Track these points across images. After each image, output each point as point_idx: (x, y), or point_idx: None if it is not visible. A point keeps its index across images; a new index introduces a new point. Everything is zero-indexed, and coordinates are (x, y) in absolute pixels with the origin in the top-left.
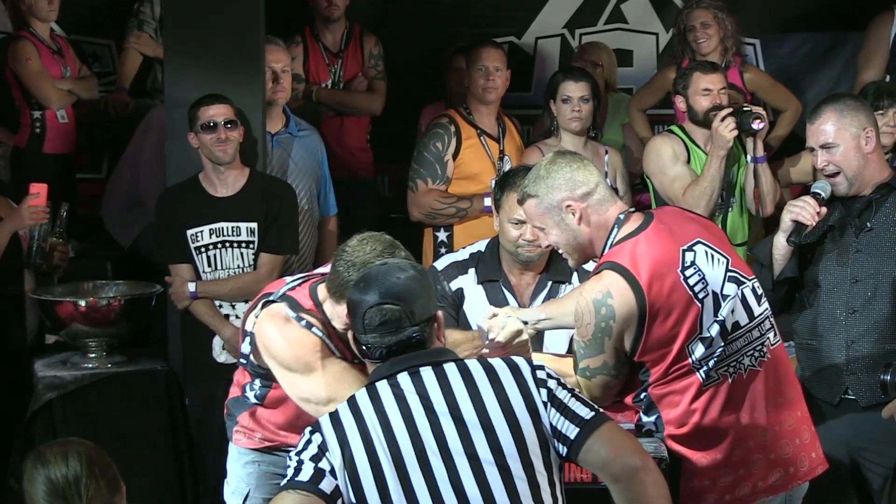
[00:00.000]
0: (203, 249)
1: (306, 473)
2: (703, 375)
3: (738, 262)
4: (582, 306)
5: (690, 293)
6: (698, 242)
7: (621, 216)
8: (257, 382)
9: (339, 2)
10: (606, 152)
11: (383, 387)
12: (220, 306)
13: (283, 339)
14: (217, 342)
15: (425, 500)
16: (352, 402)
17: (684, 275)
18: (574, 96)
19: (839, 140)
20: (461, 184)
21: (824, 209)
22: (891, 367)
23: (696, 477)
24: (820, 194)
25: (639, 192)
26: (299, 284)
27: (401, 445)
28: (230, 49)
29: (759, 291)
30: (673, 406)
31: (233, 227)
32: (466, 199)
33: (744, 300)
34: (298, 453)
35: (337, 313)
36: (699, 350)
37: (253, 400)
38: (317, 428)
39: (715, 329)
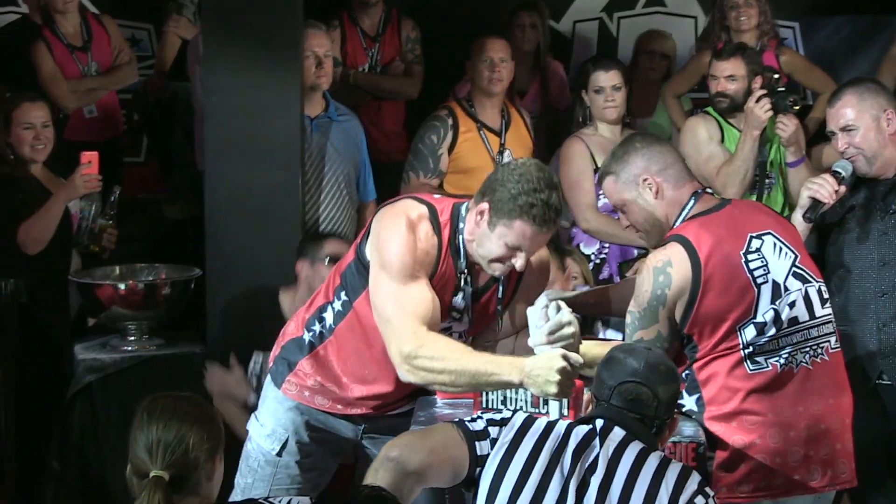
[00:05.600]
0: (258, 376)
1: (477, 426)
2: (751, 361)
3: (808, 261)
4: (643, 275)
5: (749, 277)
6: (769, 233)
7: (697, 192)
8: (339, 301)
9: None
10: None
11: (581, 425)
12: None
13: (401, 235)
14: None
15: None
16: (550, 422)
17: (746, 258)
18: (606, 86)
19: (859, 122)
20: (458, 178)
21: (843, 188)
22: None
23: (733, 461)
24: (840, 173)
25: None
26: (440, 198)
27: (551, 476)
28: (268, 33)
29: (826, 296)
30: (716, 386)
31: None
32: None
33: (807, 298)
34: (485, 411)
35: (487, 234)
36: (750, 333)
37: (328, 324)
38: (512, 411)
39: (770, 316)
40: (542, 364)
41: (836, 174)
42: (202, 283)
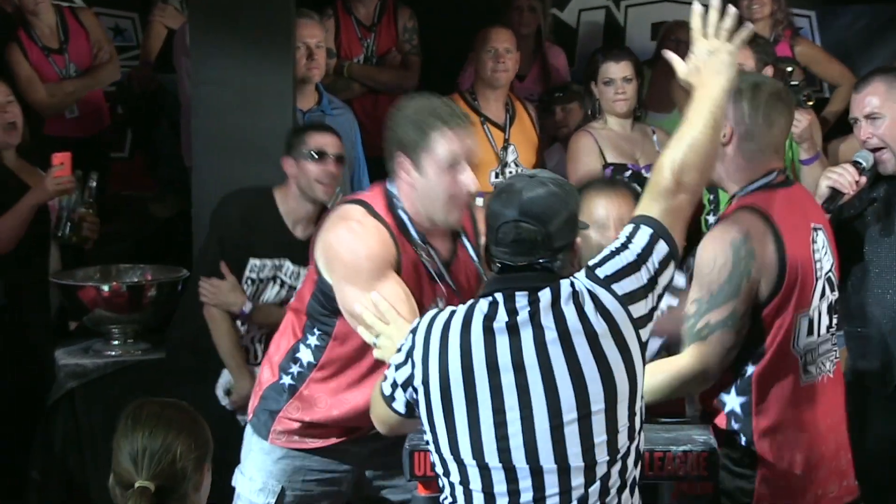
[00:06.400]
0: (259, 282)
1: (387, 390)
2: (804, 370)
3: (837, 270)
4: (708, 252)
5: (814, 266)
6: (822, 229)
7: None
8: (314, 336)
9: None
10: (654, 132)
11: (483, 301)
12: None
13: (353, 240)
14: (222, 383)
15: (486, 407)
16: (452, 311)
17: (813, 246)
18: (617, 77)
19: (886, 111)
20: None
21: (864, 178)
22: None
23: (779, 476)
24: (861, 164)
25: None
26: (367, 191)
27: (473, 356)
28: (258, 22)
29: (837, 308)
30: (771, 394)
31: (294, 271)
32: None
33: (831, 306)
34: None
35: (422, 179)
36: (804, 333)
37: (307, 361)
38: (415, 327)
39: (816, 318)
40: None
41: (856, 164)
42: (188, 283)
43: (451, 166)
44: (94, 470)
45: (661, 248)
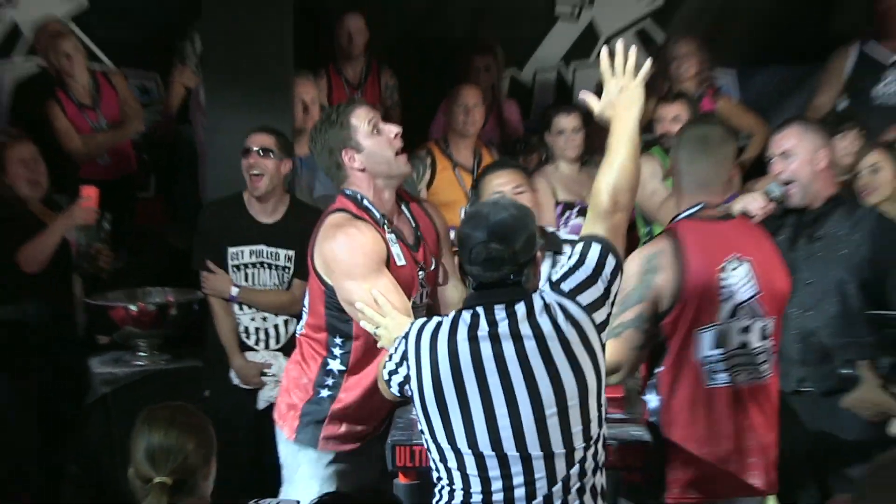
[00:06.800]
0: (242, 267)
1: (394, 387)
2: (708, 375)
3: (769, 299)
4: (633, 261)
5: (718, 291)
6: (749, 262)
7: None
8: (337, 346)
9: (358, 41)
10: None
11: (465, 313)
12: (246, 330)
13: (348, 241)
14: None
15: (476, 403)
16: (439, 321)
17: (721, 274)
18: (567, 128)
19: (798, 151)
20: None
21: (772, 205)
22: (849, 363)
23: (686, 465)
24: (771, 192)
25: None
26: (337, 203)
27: (461, 360)
28: (262, 82)
29: (769, 332)
30: (677, 393)
31: (272, 252)
32: None
33: (752, 329)
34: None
35: (366, 155)
36: (708, 346)
37: (338, 369)
38: (406, 333)
39: (725, 332)
40: None
41: (766, 193)
42: (204, 304)
43: (374, 128)
44: (124, 464)
45: (611, 262)
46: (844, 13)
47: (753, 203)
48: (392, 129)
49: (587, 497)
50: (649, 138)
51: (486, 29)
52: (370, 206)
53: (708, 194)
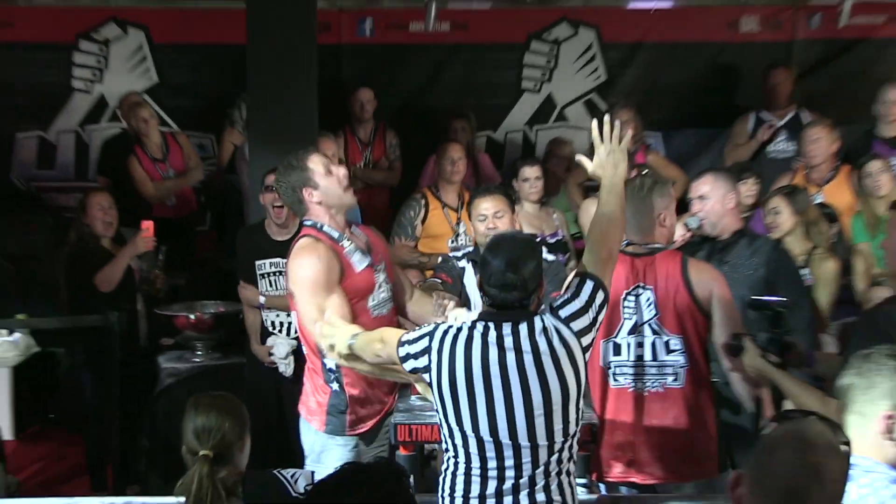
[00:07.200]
0: (266, 275)
1: (408, 368)
2: (612, 377)
3: (670, 320)
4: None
5: (621, 310)
6: (653, 291)
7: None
8: None
9: (369, 109)
10: (555, 213)
11: (479, 324)
12: (272, 323)
13: (305, 265)
14: (275, 353)
15: (481, 398)
16: (458, 328)
17: (626, 296)
18: (531, 177)
19: (711, 195)
20: (427, 241)
21: (689, 233)
22: (736, 336)
23: (616, 451)
24: (690, 225)
25: (577, 239)
26: (304, 230)
27: (473, 361)
28: (294, 140)
29: (675, 348)
30: (596, 389)
31: (286, 263)
32: (426, 255)
33: (654, 345)
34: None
35: (322, 192)
36: (609, 354)
37: (334, 365)
38: (431, 333)
39: (624, 344)
40: None
41: (686, 224)
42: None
43: (327, 170)
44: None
45: (600, 296)
46: (744, 88)
47: (677, 232)
48: (341, 170)
49: (563, 477)
50: (595, 184)
51: (469, 99)
52: (329, 230)
53: (632, 233)
